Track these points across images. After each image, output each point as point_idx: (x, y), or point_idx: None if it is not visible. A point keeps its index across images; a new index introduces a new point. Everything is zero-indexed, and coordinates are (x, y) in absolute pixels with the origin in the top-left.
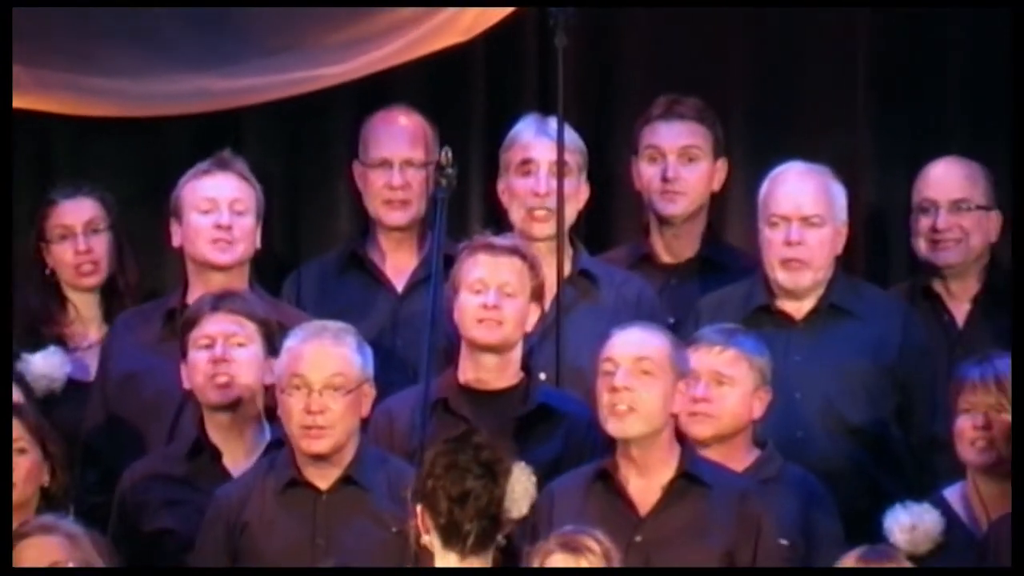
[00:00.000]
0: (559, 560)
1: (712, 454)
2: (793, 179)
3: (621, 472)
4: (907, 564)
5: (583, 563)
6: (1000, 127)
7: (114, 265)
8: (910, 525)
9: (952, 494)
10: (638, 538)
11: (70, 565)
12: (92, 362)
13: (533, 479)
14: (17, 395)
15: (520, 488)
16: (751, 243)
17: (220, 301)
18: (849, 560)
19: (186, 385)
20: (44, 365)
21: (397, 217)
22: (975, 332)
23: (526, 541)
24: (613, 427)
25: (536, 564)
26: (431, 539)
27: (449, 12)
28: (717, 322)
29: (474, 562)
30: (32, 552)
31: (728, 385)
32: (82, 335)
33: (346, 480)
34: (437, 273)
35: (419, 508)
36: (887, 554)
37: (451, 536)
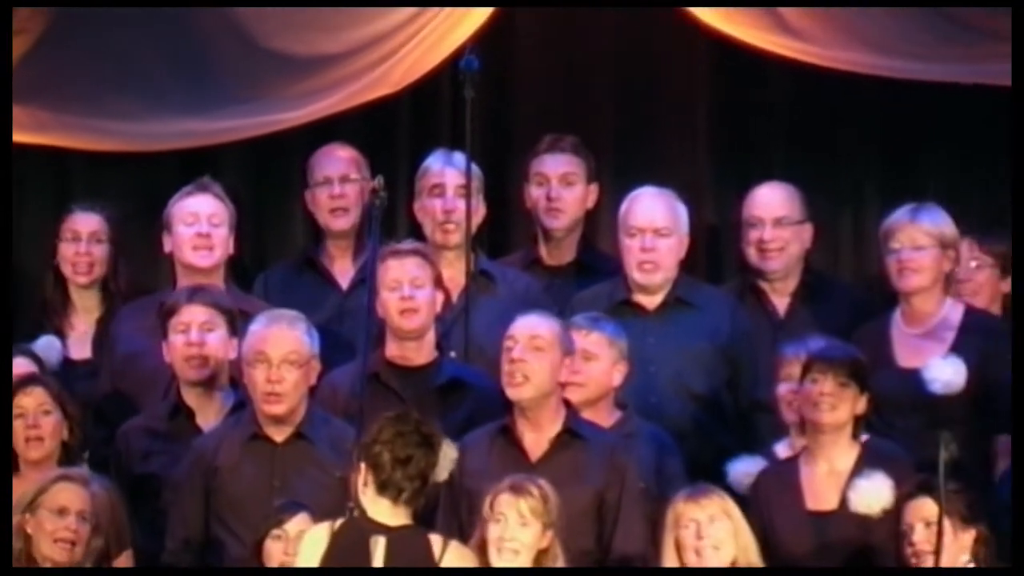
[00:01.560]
0: (505, 499)
1: (584, 415)
2: (647, 199)
3: (518, 428)
4: (727, 499)
5: (522, 503)
6: (819, 152)
7: (107, 271)
8: (744, 473)
9: (780, 447)
10: None
11: (85, 516)
12: (85, 345)
13: (455, 453)
14: (34, 367)
15: (445, 459)
16: (617, 250)
17: (194, 294)
18: (679, 500)
19: (167, 359)
20: (38, 352)
21: (340, 223)
22: (794, 321)
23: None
24: (511, 392)
25: (488, 502)
26: (367, 490)
27: (381, 70)
28: (588, 312)
29: (402, 509)
30: (64, 495)
31: (593, 360)
32: (78, 324)
33: (297, 435)
34: (372, 275)
35: (362, 466)
36: (707, 491)
37: (388, 489)
